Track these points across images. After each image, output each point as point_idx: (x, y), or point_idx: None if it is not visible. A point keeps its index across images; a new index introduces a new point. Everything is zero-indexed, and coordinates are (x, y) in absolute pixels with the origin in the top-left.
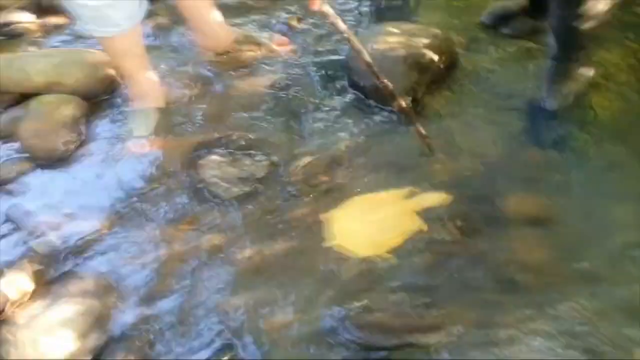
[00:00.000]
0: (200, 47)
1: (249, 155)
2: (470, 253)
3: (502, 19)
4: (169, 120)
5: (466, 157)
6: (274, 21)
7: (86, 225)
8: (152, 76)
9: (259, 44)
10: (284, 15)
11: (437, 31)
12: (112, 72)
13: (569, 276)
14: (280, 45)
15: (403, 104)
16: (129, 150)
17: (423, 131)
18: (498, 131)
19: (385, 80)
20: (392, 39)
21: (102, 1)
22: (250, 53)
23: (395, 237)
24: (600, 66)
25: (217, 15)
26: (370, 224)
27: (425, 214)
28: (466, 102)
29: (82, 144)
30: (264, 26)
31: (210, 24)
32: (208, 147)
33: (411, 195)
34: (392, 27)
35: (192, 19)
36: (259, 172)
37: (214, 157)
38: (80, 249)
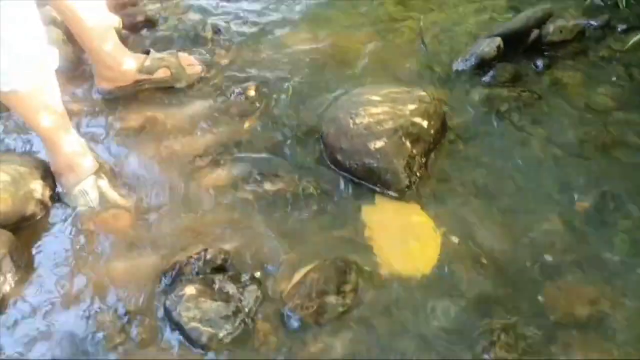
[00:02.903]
0: (99, 81)
1: (231, 278)
2: None
3: (479, 66)
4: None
5: (487, 244)
6: (228, 94)
7: None
8: (77, 139)
9: (168, 67)
10: (237, 89)
11: (422, 92)
12: (39, 183)
13: None
14: (189, 65)
15: None
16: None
17: None
18: (510, 203)
19: None
20: (376, 109)
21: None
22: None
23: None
24: None
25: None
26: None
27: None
28: (465, 171)
29: (11, 291)
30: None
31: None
32: (177, 272)
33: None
34: (371, 95)
35: (90, 48)
36: (247, 303)
37: (189, 288)
38: None
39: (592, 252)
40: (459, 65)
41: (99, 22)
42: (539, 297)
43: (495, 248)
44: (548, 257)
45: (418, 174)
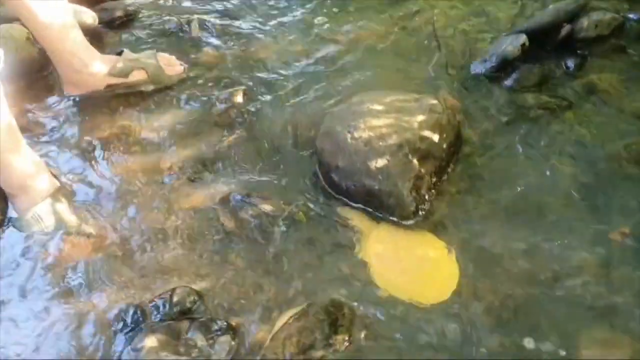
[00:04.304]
0: (66, 87)
1: (201, 325)
2: None
3: (501, 68)
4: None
5: (509, 280)
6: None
7: None
8: (32, 156)
9: (144, 69)
10: (222, 94)
11: (433, 101)
12: None
13: None
14: (169, 66)
15: None
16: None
17: None
18: (535, 230)
19: None
20: (378, 120)
21: None
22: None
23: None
24: None
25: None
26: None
27: None
28: (484, 193)
29: None
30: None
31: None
32: (138, 317)
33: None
34: (372, 103)
35: (51, 50)
36: (218, 358)
37: (149, 339)
38: None
39: (632, 292)
40: (477, 67)
41: (58, 19)
42: (568, 346)
43: (518, 285)
44: (578, 296)
45: (427, 197)
